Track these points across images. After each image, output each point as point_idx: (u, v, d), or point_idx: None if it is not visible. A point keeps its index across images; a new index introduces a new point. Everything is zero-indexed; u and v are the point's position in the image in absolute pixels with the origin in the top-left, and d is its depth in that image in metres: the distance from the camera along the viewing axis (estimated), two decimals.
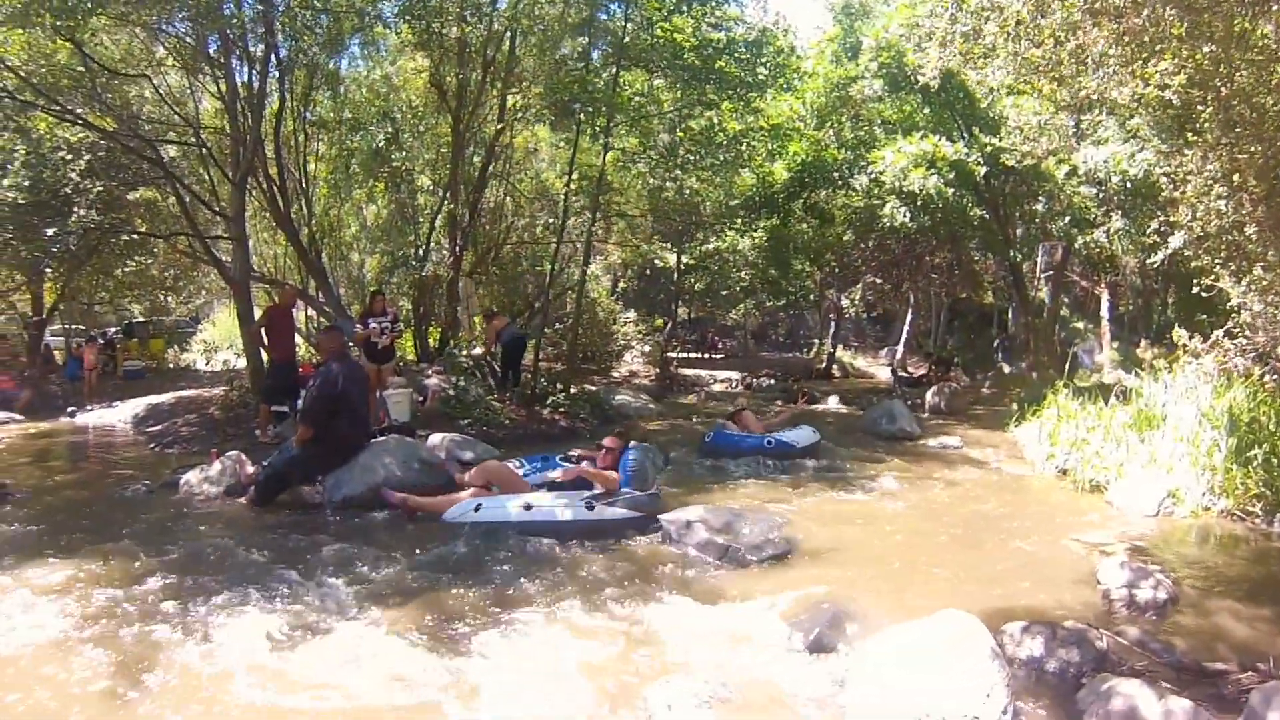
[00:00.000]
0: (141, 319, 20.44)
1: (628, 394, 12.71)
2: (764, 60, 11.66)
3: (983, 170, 12.14)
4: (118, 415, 11.77)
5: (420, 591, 4.40)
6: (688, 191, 14.82)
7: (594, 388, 12.24)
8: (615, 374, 16.05)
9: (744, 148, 13.12)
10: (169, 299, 20.07)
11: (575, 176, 12.02)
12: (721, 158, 13.07)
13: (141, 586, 4.40)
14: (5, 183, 9.77)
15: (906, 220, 12.68)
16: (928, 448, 9.42)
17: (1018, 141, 12.02)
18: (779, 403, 10.05)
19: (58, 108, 9.80)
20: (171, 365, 19.46)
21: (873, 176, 12.71)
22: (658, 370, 16.66)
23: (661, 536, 5.34)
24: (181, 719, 3.16)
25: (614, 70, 10.86)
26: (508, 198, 15.21)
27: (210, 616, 4.00)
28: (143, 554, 4.95)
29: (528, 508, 5.54)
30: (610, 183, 13.10)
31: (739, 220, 16.13)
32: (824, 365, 19.44)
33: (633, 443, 6.28)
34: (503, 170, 14.46)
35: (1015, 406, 10.83)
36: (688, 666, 3.50)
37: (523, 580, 4.59)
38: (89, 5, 7.95)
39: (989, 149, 12.23)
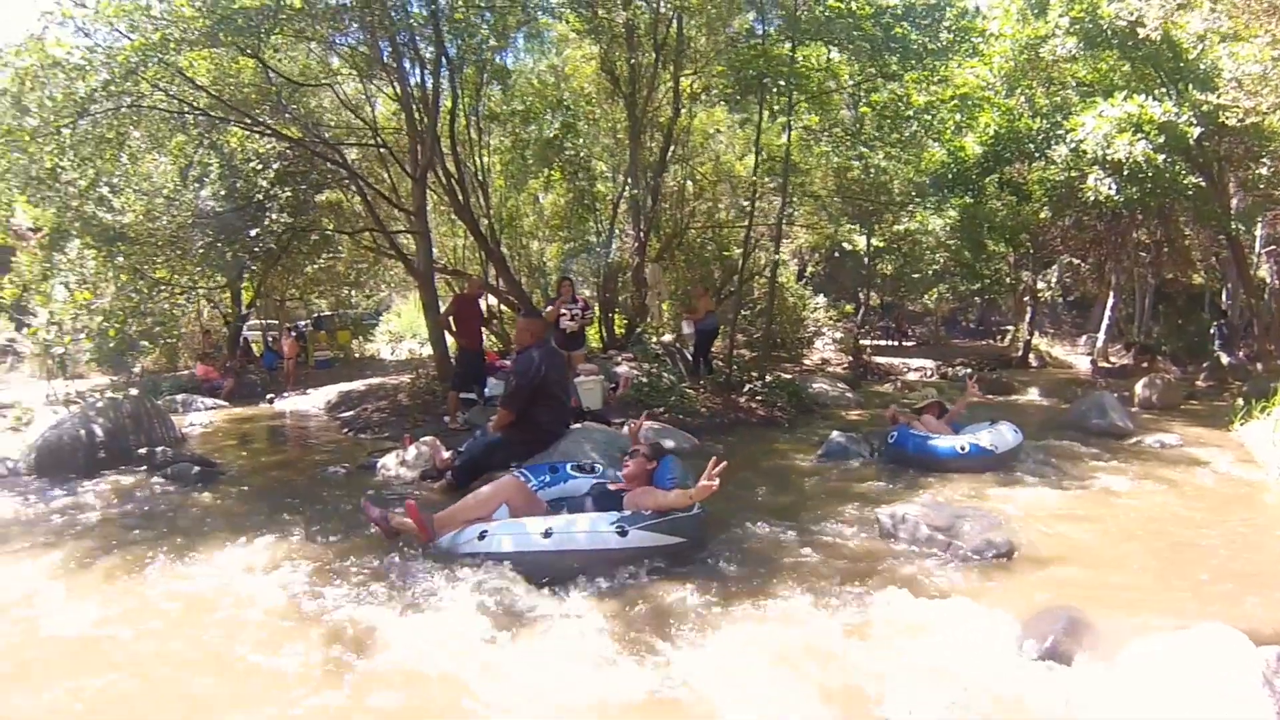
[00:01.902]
0: (328, 312, 22.03)
1: (823, 382, 12.30)
2: (946, 24, 11.04)
3: (1195, 131, 10.77)
4: (312, 402, 12.75)
5: (631, 578, 4.35)
6: (874, 170, 14.21)
7: (788, 376, 11.94)
8: (807, 362, 15.63)
9: (932, 120, 12.42)
10: (353, 293, 21.52)
11: (762, 157, 11.81)
12: (908, 132, 12.43)
13: (347, 564, 4.59)
14: (204, 193, 10.72)
15: (1111, 193, 11.52)
16: (1144, 446, 8.45)
17: (1238, 96, 10.66)
18: (971, 381, 8.63)
19: (249, 121, 10.51)
20: (357, 355, 20.91)
21: (1072, 146, 11.65)
22: (850, 358, 16.14)
23: (877, 531, 5.09)
24: (394, 701, 3.18)
25: (790, 45, 10.56)
26: (688, 181, 15.11)
27: (418, 598, 4.08)
28: (348, 533, 5.18)
29: (547, 534, 4.51)
30: (796, 163, 12.70)
31: (930, 199, 15.32)
32: (1020, 354, 18.12)
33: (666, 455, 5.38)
34: (682, 154, 14.40)
35: (1240, 402, 9.65)
36: (919, 668, 3.31)
37: (738, 569, 4.49)
38: (269, 23, 8.41)
39: (1204, 107, 10.89)
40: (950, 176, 14.50)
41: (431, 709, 3.16)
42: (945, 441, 7.08)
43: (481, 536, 4.58)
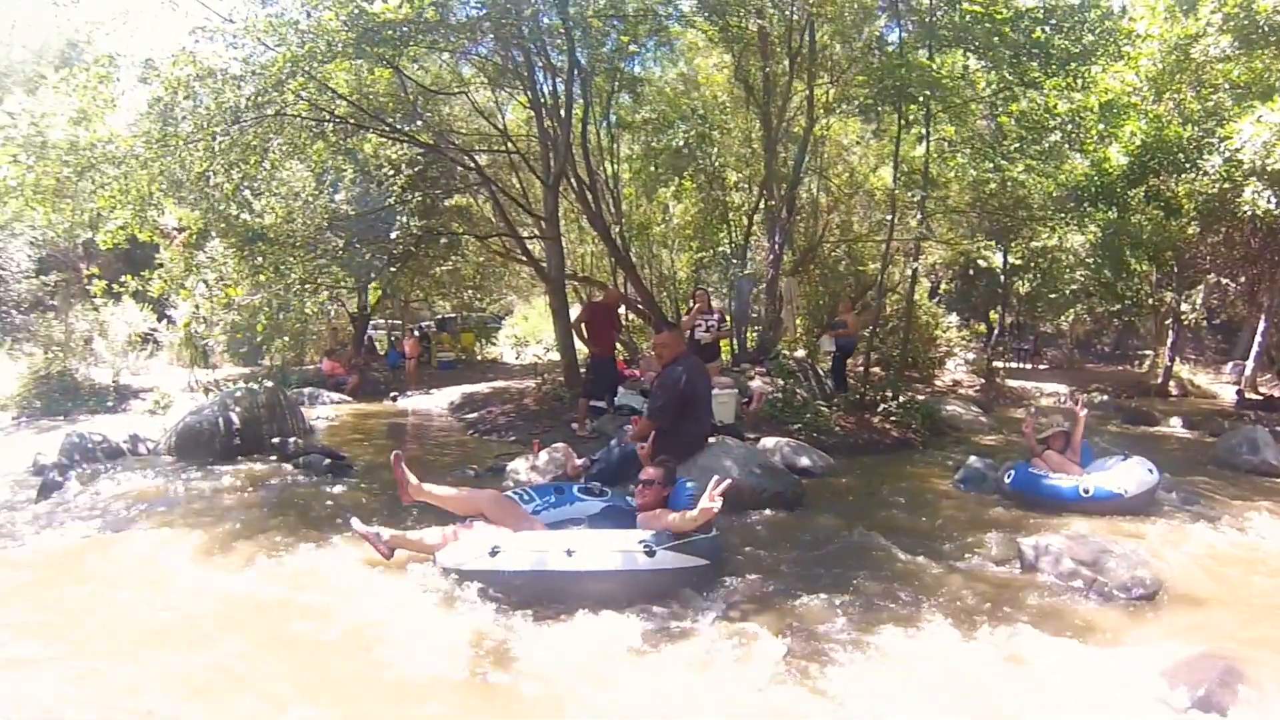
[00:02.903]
0: (451, 314, 22.59)
1: (956, 404, 11.98)
2: (1089, 26, 10.44)
3: None
4: (435, 402, 13.06)
5: (777, 596, 4.31)
6: (1012, 183, 13.60)
7: (920, 397, 11.62)
8: (938, 383, 15.17)
9: (1074, 130, 11.78)
10: (477, 297, 21.84)
11: (900, 170, 11.59)
12: (1048, 142, 11.83)
13: None
14: (339, 198, 11.21)
15: (1270, 206, 10.73)
16: None
17: None
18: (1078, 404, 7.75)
19: (386, 127, 10.93)
20: (480, 358, 21.35)
21: (1227, 155, 10.83)
22: (982, 380, 15.54)
23: (1019, 562, 4.91)
24: (540, 711, 3.18)
25: (927, 53, 10.29)
26: (822, 194, 14.87)
27: (560, 609, 4.03)
28: None
29: (569, 553, 4.17)
30: (933, 176, 12.29)
31: (1070, 213, 14.53)
32: (1159, 381, 16.97)
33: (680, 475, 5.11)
34: (817, 166, 14.26)
35: None
36: (1065, 710, 3.22)
37: (882, 593, 4.39)
38: (409, 35, 8.71)
39: None
40: (1093, 189, 13.79)
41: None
42: (1067, 482, 6.33)
43: (494, 553, 4.23)
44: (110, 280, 13.84)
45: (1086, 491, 6.15)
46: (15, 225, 14.83)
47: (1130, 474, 6.22)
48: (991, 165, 12.57)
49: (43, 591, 4.33)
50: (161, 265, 13.55)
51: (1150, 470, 6.30)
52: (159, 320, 15.75)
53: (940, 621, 3.98)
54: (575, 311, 11.88)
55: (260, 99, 8.94)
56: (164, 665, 3.42)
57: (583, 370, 10.49)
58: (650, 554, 4.19)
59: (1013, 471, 6.69)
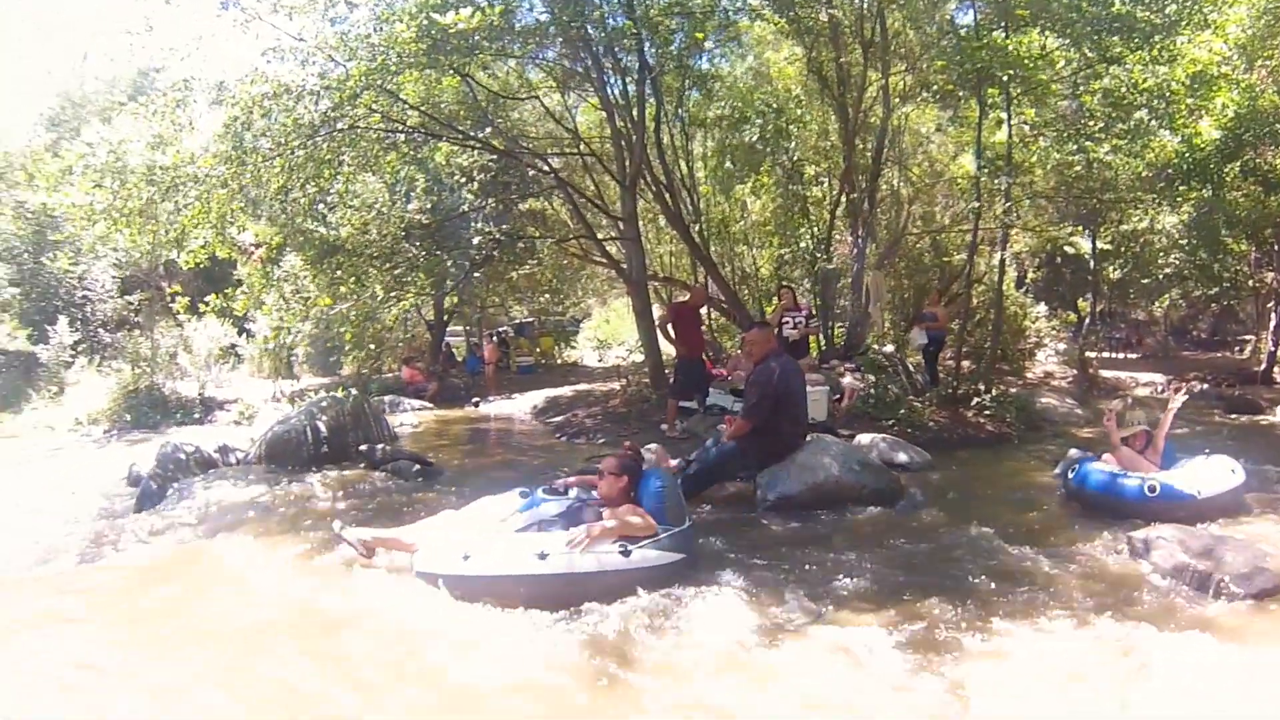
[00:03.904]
0: (529, 319, 22.80)
1: (1050, 397, 11.80)
2: None
3: None
4: (517, 406, 13.22)
5: (884, 593, 4.27)
6: (1098, 164, 13.12)
7: (1013, 390, 11.42)
8: (1029, 375, 14.73)
9: (1162, 105, 11.30)
10: (554, 301, 22.02)
11: (983, 156, 11.30)
12: (1134, 120, 11.37)
13: None
14: (411, 207, 11.38)
15: None
16: None
17: None
18: (1173, 389, 7.11)
19: (459, 135, 11.11)
20: (559, 361, 21.58)
21: None
22: (1075, 371, 15.02)
23: (1128, 555, 4.79)
24: (648, 710, 3.17)
25: (1003, 34, 10.05)
26: (902, 185, 14.67)
27: (674, 607, 4.04)
28: None
29: (542, 556, 4.13)
30: (1016, 161, 11.96)
31: (1161, 193, 13.98)
32: (1262, 367, 16.17)
33: (648, 465, 5.06)
34: (896, 155, 14.06)
35: None
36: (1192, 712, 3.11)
37: (995, 587, 4.33)
38: (480, 44, 8.90)
39: None
40: (1185, 167, 13.24)
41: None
42: (1132, 480, 5.69)
43: (466, 558, 4.20)
44: (191, 297, 14.36)
45: (1152, 490, 5.53)
46: (99, 248, 15.49)
47: (1207, 473, 5.69)
48: (1076, 147, 12.18)
49: (139, 598, 4.44)
50: (240, 282, 13.98)
51: (1233, 470, 5.77)
52: (240, 334, 16.18)
53: (1055, 616, 3.91)
54: (658, 312, 11.99)
55: (333, 114, 9.20)
56: (241, 671, 3.49)
57: (668, 371, 10.49)
58: (625, 554, 4.19)
59: (1076, 467, 6.18)
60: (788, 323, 9.57)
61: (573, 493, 5.00)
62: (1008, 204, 11.29)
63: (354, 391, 8.95)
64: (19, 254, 18.89)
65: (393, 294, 11.48)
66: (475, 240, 11.34)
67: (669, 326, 9.65)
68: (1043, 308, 17.79)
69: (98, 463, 9.26)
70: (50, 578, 4.89)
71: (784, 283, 11.51)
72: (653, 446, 7.13)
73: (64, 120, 23.68)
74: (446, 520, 4.96)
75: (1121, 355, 19.91)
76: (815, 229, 13.95)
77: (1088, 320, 17.19)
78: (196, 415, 13.06)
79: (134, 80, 24.36)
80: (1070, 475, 6.17)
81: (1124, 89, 10.87)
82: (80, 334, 17.30)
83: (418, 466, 7.46)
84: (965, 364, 11.60)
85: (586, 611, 3.98)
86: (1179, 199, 14.05)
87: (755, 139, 12.89)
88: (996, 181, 11.58)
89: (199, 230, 10.21)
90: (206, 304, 12.37)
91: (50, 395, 15.65)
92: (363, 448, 8.07)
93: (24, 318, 17.34)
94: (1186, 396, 6.65)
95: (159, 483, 7.03)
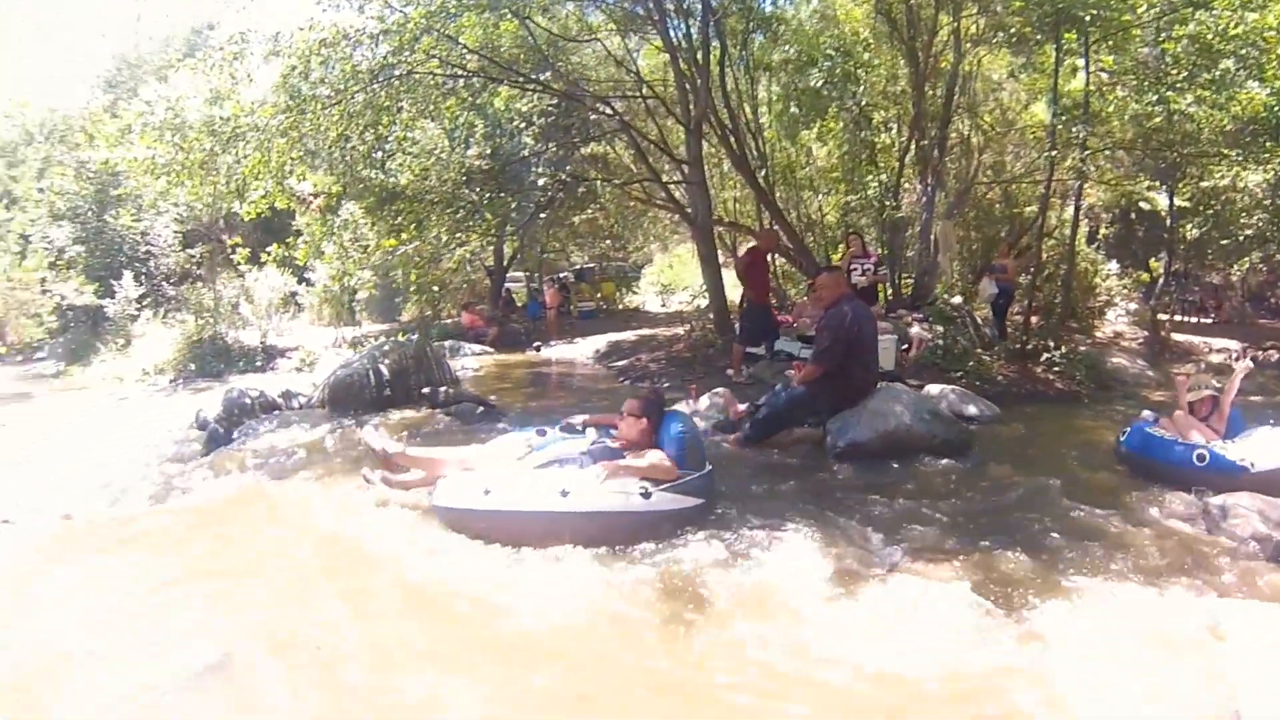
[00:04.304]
0: (590, 265, 22.85)
1: (1121, 357, 11.52)
2: None
3: None
4: (578, 350, 13.31)
5: (957, 544, 4.21)
6: (1179, 116, 12.54)
7: (1081, 348, 11.14)
8: (1098, 334, 14.30)
9: (1250, 54, 10.75)
10: (614, 248, 22.29)
11: (1059, 104, 10.92)
12: (1220, 69, 10.83)
13: None
14: (470, 153, 11.37)
15: None
16: None
17: None
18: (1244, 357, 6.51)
19: (520, 79, 11.05)
20: (620, 307, 21.55)
21: None
22: (1146, 332, 14.51)
23: (1204, 520, 4.63)
24: (724, 660, 3.14)
25: None
26: (972, 133, 14.26)
27: (743, 552, 4.01)
28: None
29: (564, 494, 4.12)
30: (1094, 110, 11.52)
31: (1246, 148, 13.35)
32: None
33: (669, 409, 4.96)
34: (967, 102, 13.70)
35: None
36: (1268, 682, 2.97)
37: (1065, 543, 4.24)
38: None
39: None
40: (1274, 121, 12.57)
41: (789, 666, 3.09)
42: (1183, 448, 5.40)
43: (487, 493, 4.19)
44: (252, 248, 14.58)
45: (1202, 459, 5.21)
46: (160, 204, 15.78)
47: (1268, 445, 5.26)
48: (1156, 97, 11.68)
49: (200, 536, 4.54)
50: (299, 232, 14.15)
51: None
52: (299, 283, 16.43)
53: (1129, 576, 3.83)
54: (722, 257, 11.98)
55: (391, 59, 9.24)
56: (295, 609, 3.53)
57: (733, 317, 10.48)
58: (646, 496, 4.18)
59: (1128, 430, 5.90)
60: (855, 269, 9.45)
61: (590, 433, 4.92)
62: (1084, 155, 10.87)
63: (415, 335, 9.02)
64: (83, 213, 19.29)
65: (457, 236, 11.56)
66: (540, 181, 11.27)
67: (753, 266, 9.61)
68: (1114, 265, 17.18)
69: (165, 411, 9.47)
70: (122, 518, 5.02)
71: (851, 230, 11.42)
72: (720, 391, 7.10)
73: (120, 81, 24.17)
74: (469, 454, 4.97)
75: (1194, 319, 19.18)
76: (883, 176, 13.74)
77: (1161, 281, 16.55)
78: (258, 363, 13.27)
79: (188, 38, 24.72)
80: (1123, 438, 5.90)
81: (1211, 35, 10.32)
82: (145, 288, 17.65)
83: (481, 408, 7.49)
84: (1034, 319, 11.33)
85: (658, 553, 3.97)
86: (1265, 155, 13.41)
87: (821, 83, 12.65)
88: (1072, 131, 11.19)
89: (259, 181, 10.33)
90: (268, 254, 12.59)
91: (117, 348, 16.05)
92: (425, 390, 8.08)
93: (90, 273, 17.73)
94: (1251, 365, 6.30)
95: (225, 426, 7.20)
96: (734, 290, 14.01)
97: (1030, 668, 3.02)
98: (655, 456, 4.42)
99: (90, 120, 19.33)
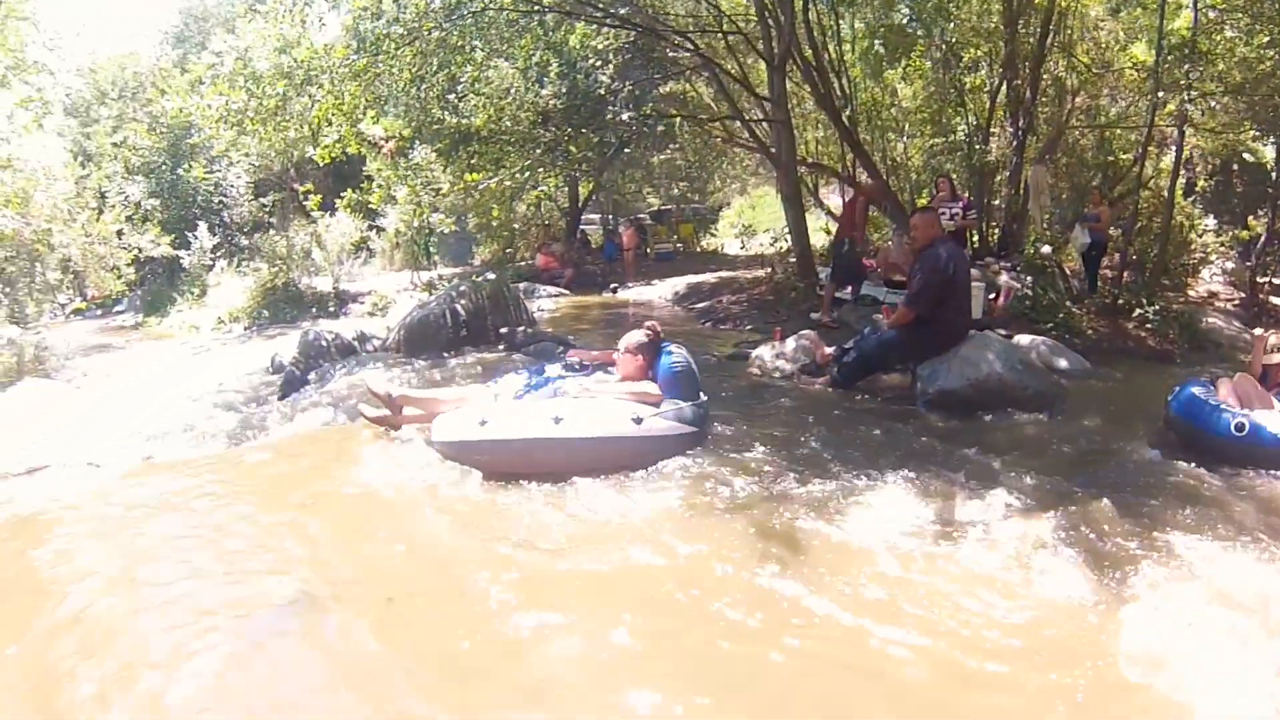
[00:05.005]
0: (667, 207, 22.88)
1: (1216, 317, 11.11)
2: None
3: None
4: (657, 292, 13.39)
5: (1050, 497, 4.04)
6: None
7: (1175, 306, 10.68)
8: (1192, 292, 13.78)
9: None
10: (691, 190, 22.37)
11: (1163, 43, 10.51)
12: None
13: (752, 455, 4.50)
14: (545, 92, 11.25)
15: None
16: None
17: None
18: None
19: (598, 11, 10.98)
20: (699, 249, 21.49)
21: None
22: (1243, 294, 13.92)
23: None
24: (827, 590, 3.12)
25: None
26: (1067, 74, 13.75)
27: (829, 499, 3.94)
28: (745, 426, 5.10)
29: (557, 420, 4.18)
30: (1202, 50, 10.98)
31: None
32: None
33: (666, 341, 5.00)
34: (1062, 41, 13.18)
35: None
36: None
37: (1161, 502, 4.09)
38: None
39: None
40: None
41: (871, 614, 3.03)
42: (1225, 415, 4.91)
43: (483, 424, 4.25)
44: (323, 195, 14.77)
45: (1241, 429, 4.77)
46: (232, 154, 16.08)
47: None
48: (1268, 39, 11.08)
49: (282, 478, 4.61)
50: (370, 178, 14.28)
51: None
52: (370, 229, 16.65)
53: (1229, 541, 3.65)
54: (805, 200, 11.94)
55: None
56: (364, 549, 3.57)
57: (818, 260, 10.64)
58: (638, 421, 4.27)
59: (1176, 395, 5.41)
60: (944, 214, 9.23)
61: (596, 374, 5.06)
62: (1189, 99, 10.34)
63: (491, 275, 9.04)
64: (157, 167, 19.80)
65: (540, 170, 11.61)
66: (625, 116, 11.19)
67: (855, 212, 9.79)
68: (1211, 221, 16.52)
69: (241, 357, 9.75)
70: (201, 460, 5.09)
71: (941, 173, 11.33)
72: (806, 333, 7.05)
73: (188, 36, 24.58)
74: (468, 392, 5.05)
75: None
76: (971, 118, 13.48)
77: (1262, 239, 15.78)
78: (331, 309, 13.58)
79: None
80: (1173, 400, 5.43)
81: None
82: (219, 238, 18.18)
83: (561, 348, 7.42)
84: (1125, 274, 10.97)
85: (748, 502, 3.92)
86: None
87: (908, 19, 12.29)
88: (1175, 74, 10.68)
89: (331, 126, 10.43)
90: (341, 198, 12.74)
91: (194, 297, 16.62)
92: (503, 331, 8.13)
93: (166, 226, 18.13)
94: None
95: (301, 369, 7.36)
96: (816, 234, 13.80)
97: (1131, 625, 2.93)
98: (644, 385, 4.62)
99: (160, 75, 19.73)
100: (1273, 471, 4.55)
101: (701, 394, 4.80)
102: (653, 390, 4.56)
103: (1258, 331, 5.83)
